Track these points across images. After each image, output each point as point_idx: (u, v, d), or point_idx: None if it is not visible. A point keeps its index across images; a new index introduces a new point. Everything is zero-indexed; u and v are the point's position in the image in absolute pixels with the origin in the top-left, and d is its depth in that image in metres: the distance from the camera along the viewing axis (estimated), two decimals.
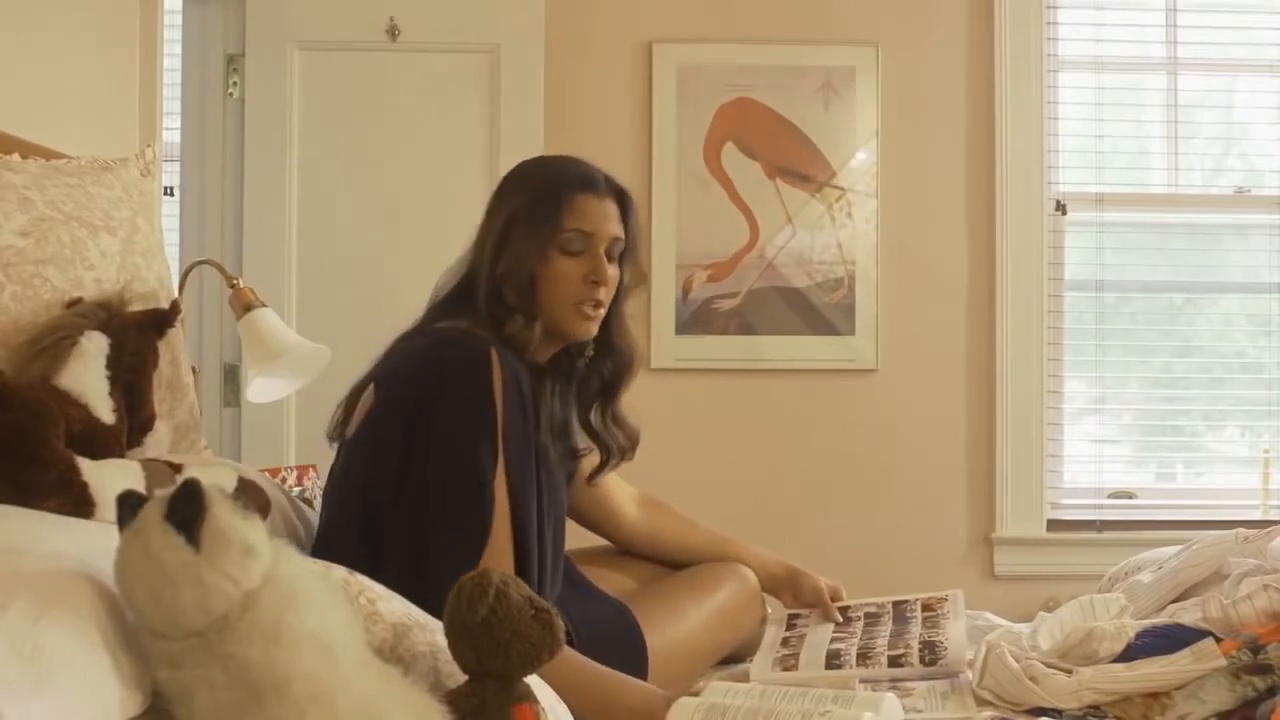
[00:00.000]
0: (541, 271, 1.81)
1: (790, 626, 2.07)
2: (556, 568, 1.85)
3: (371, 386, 1.78)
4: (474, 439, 1.67)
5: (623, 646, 1.83)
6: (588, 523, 2.16)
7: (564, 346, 1.91)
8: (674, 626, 1.93)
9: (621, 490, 2.18)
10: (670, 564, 2.15)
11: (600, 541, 2.21)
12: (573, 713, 1.41)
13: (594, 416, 1.97)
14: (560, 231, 1.82)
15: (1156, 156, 3.70)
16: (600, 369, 1.95)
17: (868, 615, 2.08)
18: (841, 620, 2.07)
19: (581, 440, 1.98)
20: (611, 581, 2.06)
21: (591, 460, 2.02)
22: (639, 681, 1.70)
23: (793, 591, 2.16)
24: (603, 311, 1.86)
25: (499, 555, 1.65)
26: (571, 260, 1.83)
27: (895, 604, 2.10)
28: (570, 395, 1.95)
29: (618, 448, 1.99)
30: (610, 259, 1.86)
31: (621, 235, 1.88)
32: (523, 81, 3.32)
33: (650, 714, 1.57)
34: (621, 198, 1.89)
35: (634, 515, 2.17)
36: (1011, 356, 3.50)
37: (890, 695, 1.57)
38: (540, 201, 1.83)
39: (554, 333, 1.85)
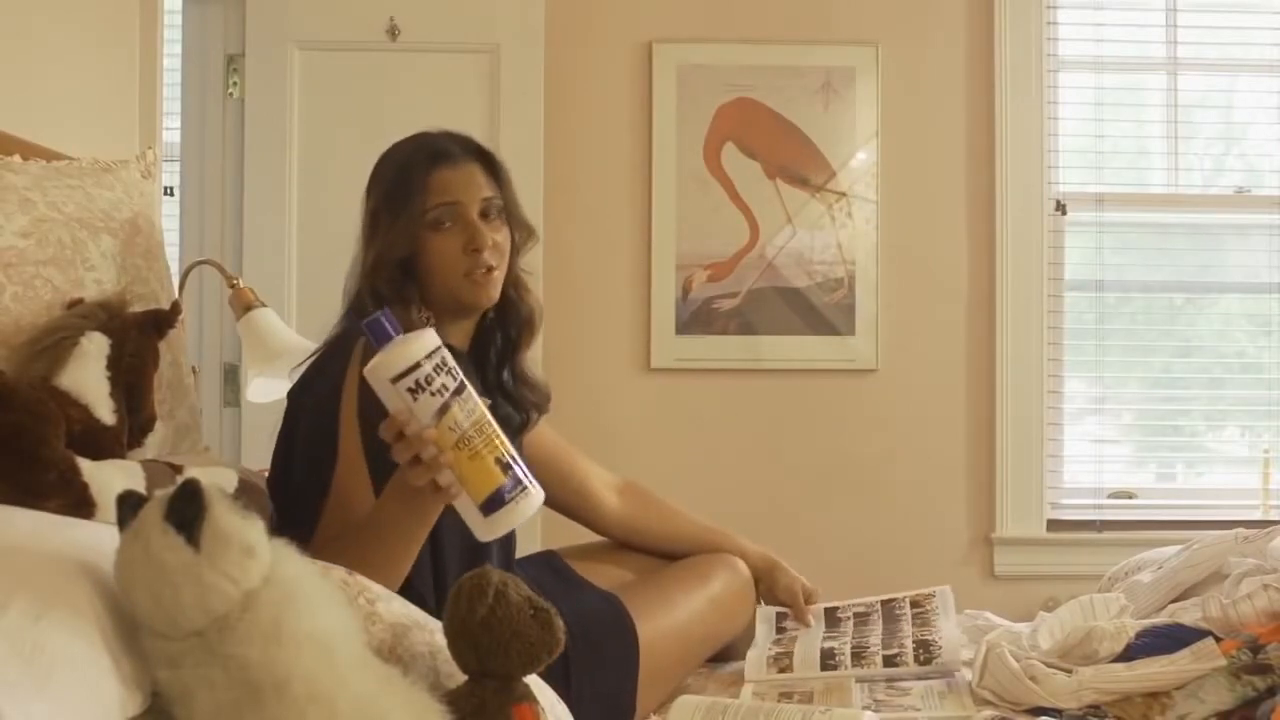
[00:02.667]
0: (419, 254, 1.81)
1: (780, 630, 2.06)
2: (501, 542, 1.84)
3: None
4: (324, 431, 1.69)
5: (613, 637, 1.83)
6: (568, 512, 2.15)
7: (480, 320, 1.90)
8: (666, 616, 1.92)
9: (601, 478, 2.17)
10: (653, 552, 2.14)
11: (591, 539, 2.20)
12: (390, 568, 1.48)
13: (505, 377, 1.95)
14: (425, 212, 1.80)
15: (1156, 156, 3.70)
16: (504, 329, 1.94)
17: (857, 615, 2.07)
18: (812, 624, 2.06)
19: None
20: (605, 576, 2.06)
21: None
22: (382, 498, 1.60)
23: (768, 585, 2.15)
24: (496, 274, 1.84)
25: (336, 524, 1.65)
26: (445, 235, 1.81)
27: (884, 603, 2.10)
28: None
29: (531, 405, 1.98)
30: (488, 219, 1.84)
31: (493, 194, 1.85)
32: (523, 81, 3.32)
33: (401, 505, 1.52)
34: (484, 157, 1.87)
35: (614, 503, 2.16)
36: (1011, 356, 3.50)
37: (868, 714, 1.59)
38: (396, 188, 1.82)
39: (456, 308, 1.84)
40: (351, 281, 1.87)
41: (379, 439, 1.48)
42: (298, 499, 1.71)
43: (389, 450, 1.46)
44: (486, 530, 1.43)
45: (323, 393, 1.73)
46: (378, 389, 1.43)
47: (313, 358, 1.82)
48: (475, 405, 1.43)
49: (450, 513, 1.53)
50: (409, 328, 1.65)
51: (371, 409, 1.55)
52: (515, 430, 1.96)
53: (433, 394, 1.39)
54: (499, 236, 1.84)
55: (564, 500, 2.12)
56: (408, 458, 1.41)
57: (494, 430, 1.43)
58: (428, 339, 1.43)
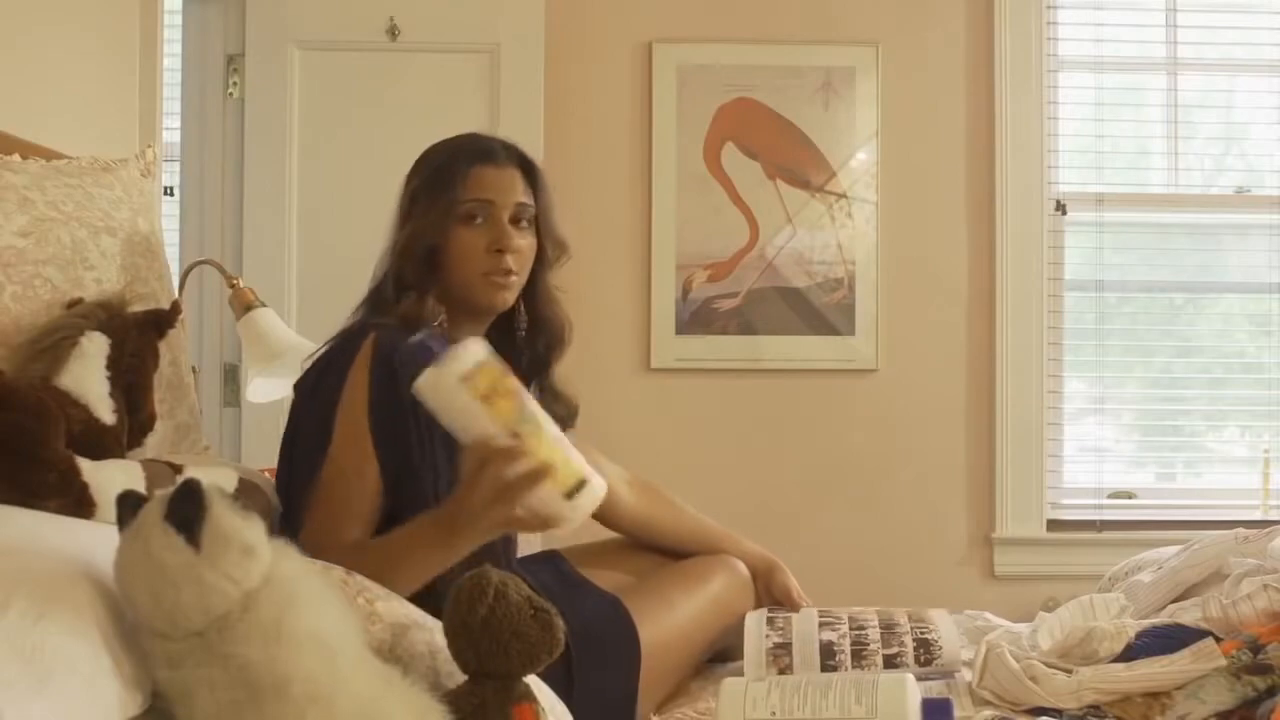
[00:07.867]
0: (445, 246, 1.82)
1: (771, 623, 2.04)
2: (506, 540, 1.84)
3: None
4: (320, 419, 1.71)
5: (615, 639, 1.83)
6: None
7: (494, 322, 1.90)
8: (666, 618, 1.92)
9: (613, 471, 2.17)
10: (659, 548, 2.14)
11: (592, 540, 2.20)
12: (405, 588, 1.46)
13: (533, 391, 1.95)
14: (459, 203, 1.82)
15: (1156, 156, 3.70)
16: (533, 344, 1.95)
17: (852, 618, 2.06)
18: (804, 606, 2.07)
19: None
20: (605, 578, 2.05)
21: None
22: (423, 517, 1.62)
23: (765, 584, 2.14)
24: (515, 279, 1.85)
25: (332, 517, 1.67)
26: (474, 231, 1.82)
27: (879, 612, 2.08)
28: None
29: (559, 419, 1.97)
30: (518, 225, 1.85)
31: (529, 201, 1.87)
32: (523, 81, 3.32)
33: (450, 530, 1.55)
34: (526, 165, 1.89)
35: (627, 497, 2.15)
36: (1011, 356, 3.50)
37: (911, 679, 1.56)
38: (437, 176, 1.84)
39: (469, 306, 1.85)
40: (380, 265, 1.88)
41: (393, 435, 1.62)
42: (299, 494, 1.71)
43: (402, 446, 1.64)
44: (571, 516, 1.51)
45: (325, 389, 1.73)
46: (439, 398, 1.48)
47: (322, 351, 1.83)
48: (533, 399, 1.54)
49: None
50: (424, 318, 1.74)
51: (386, 402, 1.64)
52: None
53: None
54: (524, 243, 1.86)
55: None
56: (502, 449, 1.47)
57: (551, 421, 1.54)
58: (481, 345, 1.52)
